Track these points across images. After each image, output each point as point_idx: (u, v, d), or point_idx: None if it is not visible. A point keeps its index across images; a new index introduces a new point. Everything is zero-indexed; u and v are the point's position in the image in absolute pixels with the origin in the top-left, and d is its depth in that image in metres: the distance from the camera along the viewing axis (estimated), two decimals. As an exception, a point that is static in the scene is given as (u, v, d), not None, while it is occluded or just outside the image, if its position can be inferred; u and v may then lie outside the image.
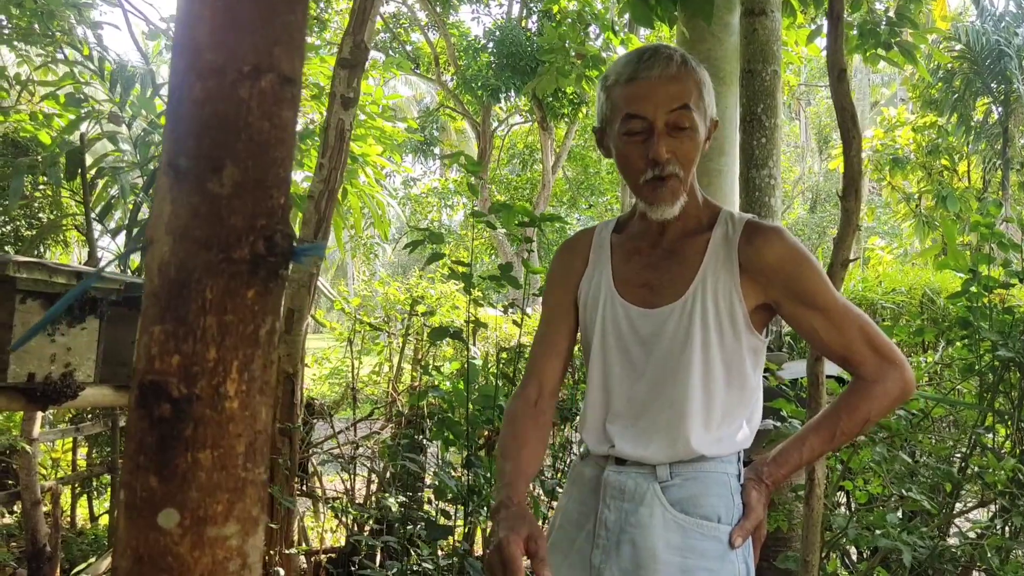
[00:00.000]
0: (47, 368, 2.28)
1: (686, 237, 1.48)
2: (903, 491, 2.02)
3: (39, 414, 3.66)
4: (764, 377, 1.58)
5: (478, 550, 3.38)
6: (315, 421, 4.00)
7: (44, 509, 3.73)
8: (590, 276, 1.57)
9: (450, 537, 2.80)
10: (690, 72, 1.41)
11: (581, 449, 1.59)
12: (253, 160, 0.75)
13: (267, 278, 0.76)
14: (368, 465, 3.85)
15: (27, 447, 3.55)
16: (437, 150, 18.24)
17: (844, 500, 3.13)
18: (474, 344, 3.00)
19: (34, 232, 4.78)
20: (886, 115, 10.57)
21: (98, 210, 4.49)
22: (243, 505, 0.74)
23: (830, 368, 1.92)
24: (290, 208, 0.80)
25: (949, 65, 10.88)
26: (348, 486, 3.82)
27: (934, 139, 10.12)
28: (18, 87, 5.20)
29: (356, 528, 3.58)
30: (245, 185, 0.75)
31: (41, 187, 4.88)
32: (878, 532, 1.94)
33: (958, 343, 2.44)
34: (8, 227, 4.75)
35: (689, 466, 1.42)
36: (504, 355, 2.91)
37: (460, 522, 3.01)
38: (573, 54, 5.86)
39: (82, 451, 4.94)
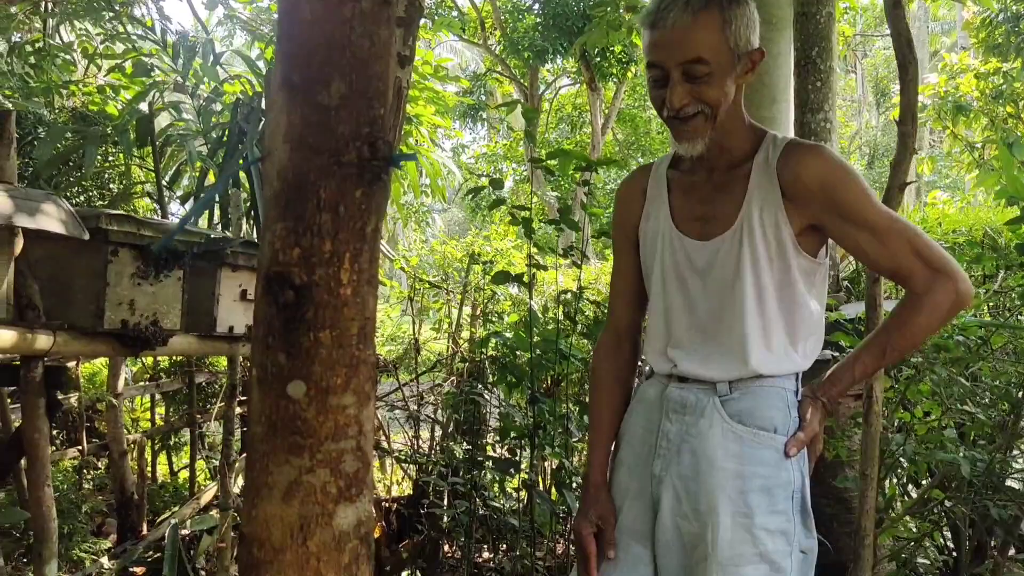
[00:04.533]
0: (137, 316, 2.44)
1: (733, 167, 1.52)
2: (962, 407, 2.04)
3: (123, 370, 3.87)
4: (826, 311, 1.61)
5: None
6: (379, 375, 4.14)
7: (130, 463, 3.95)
8: (648, 212, 1.64)
9: (516, 475, 2.90)
10: (711, 15, 1.40)
11: (646, 370, 1.67)
12: (356, 74, 0.84)
13: (372, 180, 0.85)
14: (432, 417, 3.97)
15: (113, 400, 3.77)
16: (485, 115, 18.25)
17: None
18: (532, 298, 3.08)
19: (106, 202, 4.98)
20: (947, 61, 10.22)
21: (168, 177, 4.67)
22: (358, 380, 0.85)
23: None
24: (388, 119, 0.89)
25: (1014, 7, 10.46)
26: (412, 436, 3.95)
27: (998, 85, 9.77)
28: (85, 60, 5.39)
29: (424, 474, 3.71)
30: (350, 97, 0.84)
31: (111, 158, 5.07)
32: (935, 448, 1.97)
33: (1018, 272, 2.43)
34: (82, 197, 4.95)
35: (748, 382, 1.49)
36: (565, 298, 2.97)
37: (526, 459, 3.12)
38: (622, 8, 5.84)
39: (159, 411, 5.18)
